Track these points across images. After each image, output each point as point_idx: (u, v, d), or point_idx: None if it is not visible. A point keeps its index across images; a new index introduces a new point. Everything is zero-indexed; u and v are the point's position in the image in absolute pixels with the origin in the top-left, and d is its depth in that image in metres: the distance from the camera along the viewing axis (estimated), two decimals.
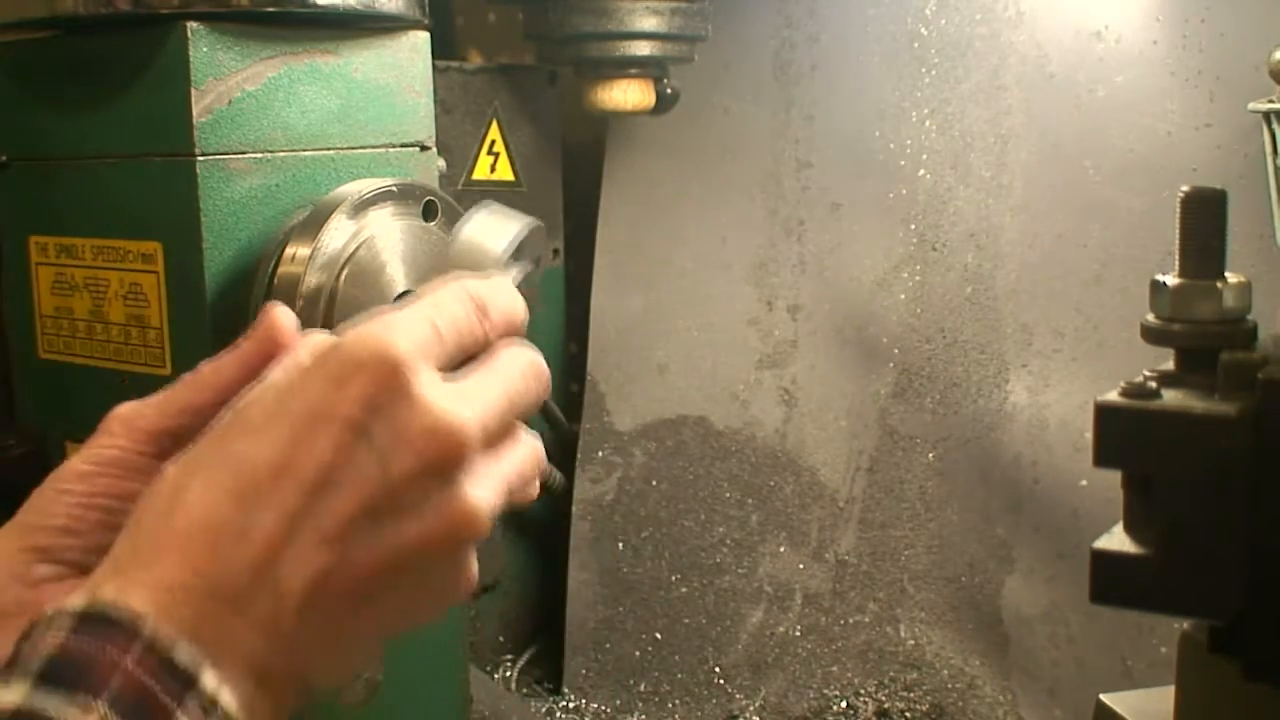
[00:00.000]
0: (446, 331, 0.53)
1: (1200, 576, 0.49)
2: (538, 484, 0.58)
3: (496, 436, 0.54)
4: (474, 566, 0.54)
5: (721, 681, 1.21)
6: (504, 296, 0.57)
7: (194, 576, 0.48)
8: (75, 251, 0.76)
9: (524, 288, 0.66)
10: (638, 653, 1.23)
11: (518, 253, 0.67)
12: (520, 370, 0.56)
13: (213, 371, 0.59)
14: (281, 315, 0.59)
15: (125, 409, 0.60)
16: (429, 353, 0.52)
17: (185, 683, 0.46)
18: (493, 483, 0.53)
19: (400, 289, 0.75)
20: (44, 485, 0.59)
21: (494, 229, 0.67)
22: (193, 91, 0.69)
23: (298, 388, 0.51)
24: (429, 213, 0.77)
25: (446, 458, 0.50)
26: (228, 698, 0.47)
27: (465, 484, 0.51)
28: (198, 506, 0.49)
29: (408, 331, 0.51)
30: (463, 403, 0.51)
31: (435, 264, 0.69)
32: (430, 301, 0.54)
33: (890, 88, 1.30)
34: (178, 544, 0.49)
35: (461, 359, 0.54)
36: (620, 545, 1.26)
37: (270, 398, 0.52)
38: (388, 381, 0.50)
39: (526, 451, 0.57)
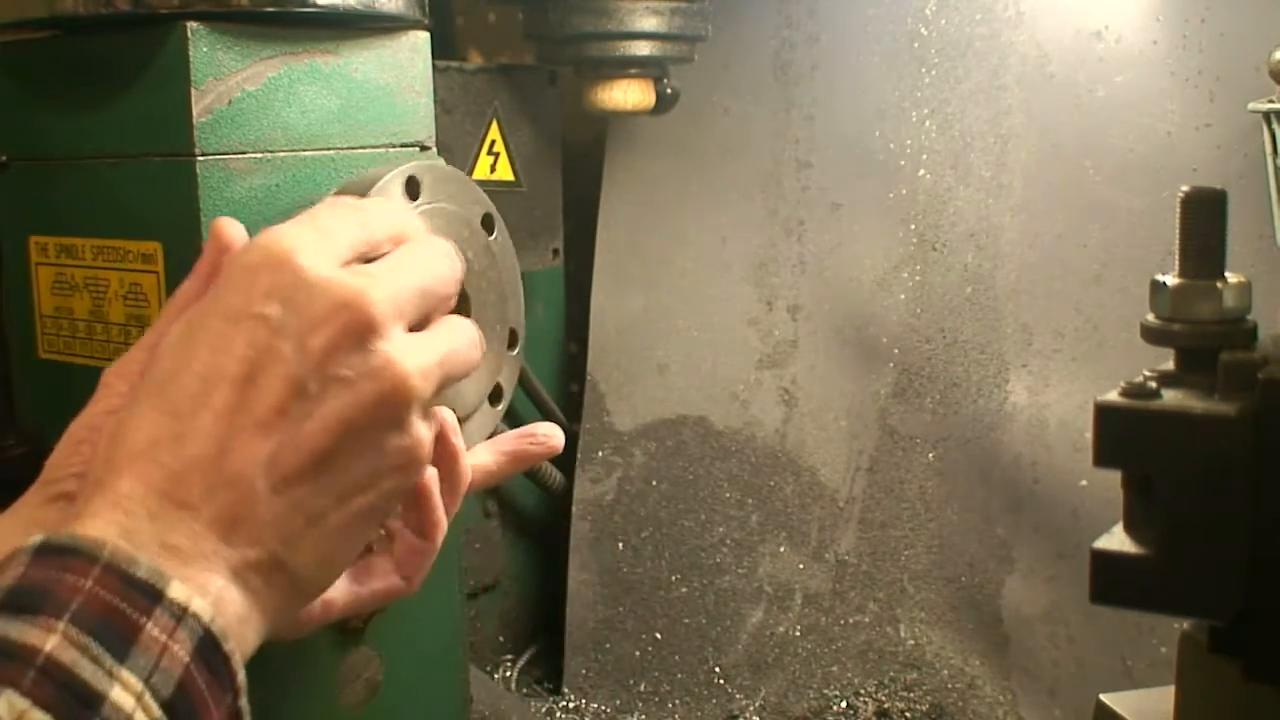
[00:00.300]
0: (328, 231, 0.56)
1: (1200, 576, 0.49)
2: (476, 357, 0.60)
3: (416, 313, 0.56)
4: (421, 431, 0.55)
5: (721, 681, 1.21)
6: (380, 206, 0.60)
7: (144, 490, 0.49)
8: (75, 251, 0.76)
9: (434, 215, 0.67)
10: (638, 653, 1.23)
11: (413, 190, 0.68)
12: (423, 252, 0.59)
13: (181, 297, 0.61)
14: (227, 226, 0.61)
15: (115, 364, 0.62)
16: (317, 246, 0.54)
17: (152, 596, 0.46)
18: (423, 351, 0.55)
19: None
20: (58, 447, 0.60)
21: (379, 172, 0.68)
22: (193, 91, 0.69)
23: (204, 304, 0.54)
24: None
25: (357, 327, 0.52)
26: (200, 604, 0.47)
27: (386, 349, 0.53)
28: (137, 432, 0.51)
29: (293, 232, 0.54)
30: (364, 277, 0.54)
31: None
32: (307, 214, 0.57)
33: (890, 88, 1.30)
34: (124, 468, 0.50)
35: (350, 253, 0.56)
36: (620, 545, 1.26)
37: (182, 322, 0.54)
38: (285, 274, 0.53)
39: (458, 328, 0.59)
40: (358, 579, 0.64)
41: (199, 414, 0.51)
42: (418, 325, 0.57)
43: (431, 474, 0.63)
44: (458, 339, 0.59)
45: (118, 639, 0.44)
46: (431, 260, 0.58)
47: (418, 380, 0.54)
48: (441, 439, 0.63)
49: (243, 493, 0.50)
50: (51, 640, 0.43)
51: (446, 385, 0.58)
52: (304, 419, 0.51)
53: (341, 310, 0.52)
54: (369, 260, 0.57)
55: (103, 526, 0.48)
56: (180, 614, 0.46)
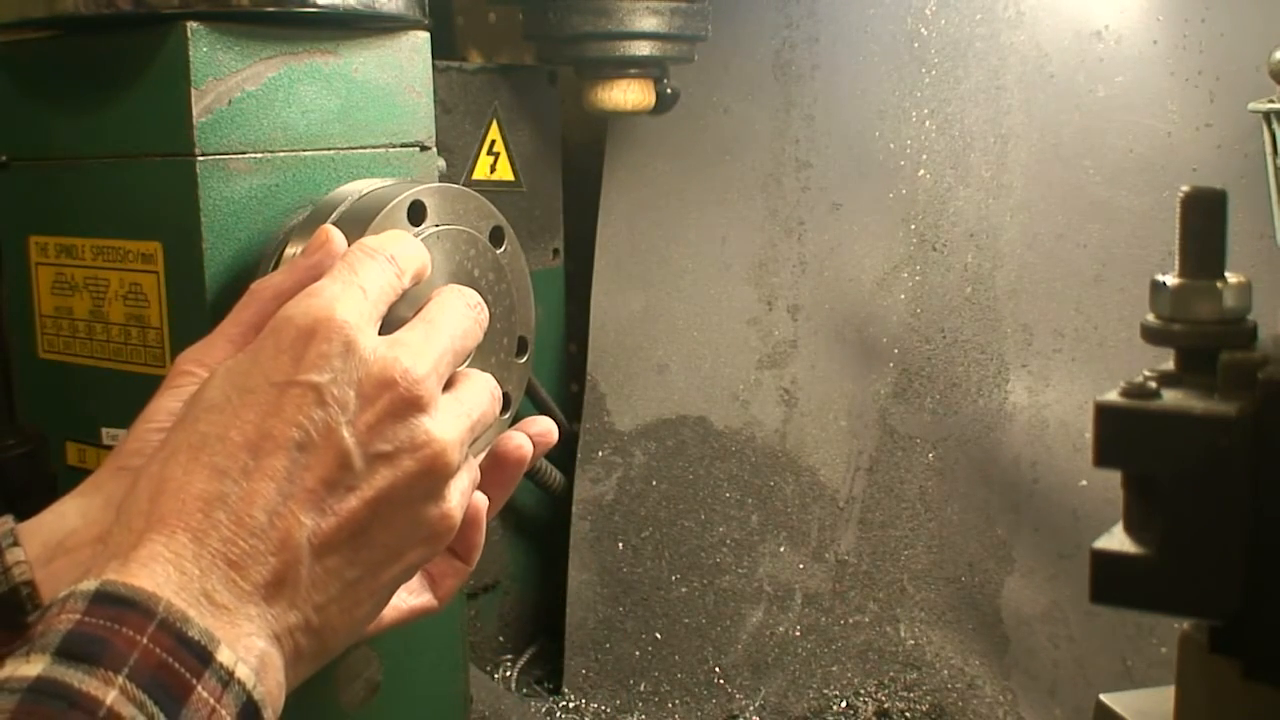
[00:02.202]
0: (370, 288, 0.58)
1: (1200, 576, 0.49)
2: (498, 409, 0.64)
3: (449, 373, 0.59)
4: (453, 500, 0.58)
5: (721, 681, 1.21)
6: (402, 245, 0.62)
7: (197, 547, 0.50)
8: (75, 251, 0.76)
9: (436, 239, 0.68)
10: (638, 653, 1.23)
11: (418, 215, 0.68)
12: (451, 310, 0.61)
13: (271, 288, 0.62)
14: (334, 234, 0.63)
15: (193, 350, 0.63)
16: (364, 312, 0.56)
17: (203, 658, 0.47)
18: (458, 419, 0.58)
19: None
20: (133, 428, 0.61)
21: (382, 194, 0.68)
22: (193, 91, 0.69)
23: (251, 363, 0.55)
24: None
25: (403, 404, 0.55)
26: (244, 671, 0.48)
27: (427, 423, 0.56)
28: (186, 487, 0.52)
29: (342, 298, 0.56)
30: (408, 352, 0.56)
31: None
32: (346, 267, 0.59)
33: (890, 88, 1.30)
34: (174, 521, 0.51)
35: (386, 308, 0.59)
36: (620, 545, 1.26)
37: (225, 377, 0.55)
38: (335, 344, 0.54)
39: (481, 386, 0.62)
40: (401, 597, 0.65)
41: (251, 477, 0.52)
42: (446, 383, 0.60)
43: (482, 499, 0.65)
44: (483, 397, 0.61)
45: (169, 699, 0.46)
46: (459, 319, 0.61)
47: (455, 452, 0.57)
48: (516, 463, 0.67)
49: (289, 558, 0.51)
50: (111, 694, 0.44)
51: (475, 445, 0.61)
52: (347, 492, 0.53)
53: (390, 387, 0.55)
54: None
55: (156, 579, 0.49)
56: (227, 679, 0.48)
